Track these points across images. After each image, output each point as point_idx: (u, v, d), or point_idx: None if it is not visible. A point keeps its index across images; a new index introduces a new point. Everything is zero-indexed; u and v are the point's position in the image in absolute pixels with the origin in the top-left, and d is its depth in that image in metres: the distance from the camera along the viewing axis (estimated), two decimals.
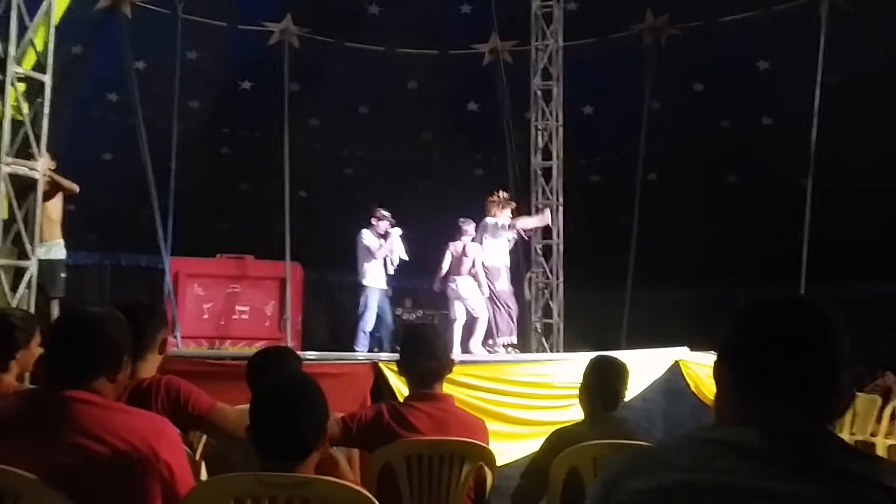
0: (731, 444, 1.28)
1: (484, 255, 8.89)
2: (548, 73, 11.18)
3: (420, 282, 11.15)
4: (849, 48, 10.56)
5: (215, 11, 11.95)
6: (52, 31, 5.88)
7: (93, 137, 12.32)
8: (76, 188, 7.13)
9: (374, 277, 9.41)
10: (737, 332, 1.46)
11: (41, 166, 5.64)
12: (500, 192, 9.25)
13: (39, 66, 5.80)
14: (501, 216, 9.02)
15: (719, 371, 1.46)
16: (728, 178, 13.39)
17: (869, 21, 10.66)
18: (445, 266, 8.95)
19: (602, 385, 3.66)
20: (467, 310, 8.85)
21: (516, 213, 9.34)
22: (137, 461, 2.22)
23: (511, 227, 9.13)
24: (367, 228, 9.50)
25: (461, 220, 9.08)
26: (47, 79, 5.75)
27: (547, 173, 11.06)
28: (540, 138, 11.17)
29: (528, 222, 9.87)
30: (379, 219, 9.50)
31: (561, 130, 11.07)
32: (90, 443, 2.20)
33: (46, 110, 5.74)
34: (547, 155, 11.10)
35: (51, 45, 5.83)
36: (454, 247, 8.97)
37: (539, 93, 11.21)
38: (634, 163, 12.56)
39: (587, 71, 11.98)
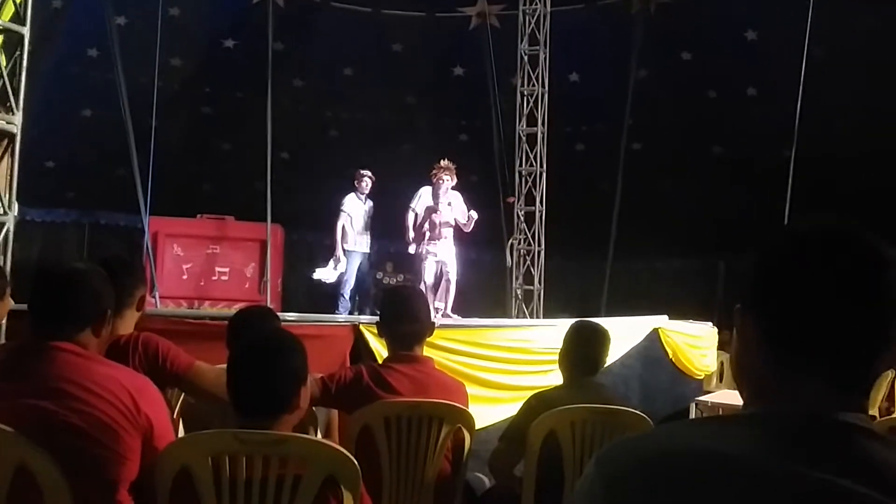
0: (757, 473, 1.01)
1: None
2: (535, 38, 11.10)
3: (401, 246, 11.12)
4: (838, 20, 10.53)
5: None
6: None
7: (72, 93, 12.18)
8: None
9: (353, 241, 9.40)
10: (776, 269, 1.14)
11: (17, 120, 5.54)
12: (443, 160, 9.05)
13: (18, 18, 5.67)
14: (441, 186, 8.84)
15: (744, 323, 1.17)
16: (713, 149, 13.39)
17: None
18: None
19: (582, 350, 3.67)
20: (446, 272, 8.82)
21: (459, 180, 9.05)
22: (118, 412, 2.22)
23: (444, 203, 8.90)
24: (353, 192, 9.50)
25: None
26: (26, 31, 5.62)
27: (531, 140, 11.02)
28: (525, 104, 11.12)
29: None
30: (359, 179, 9.47)
31: (546, 97, 11.01)
32: (72, 389, 2.20)
33: (24, 63, 5.62)
34: (532, 121, 11.05)
35: None
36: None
37: (525, 58, 11.13)
38: (619, 131, 12.55)
39: (574, 37, 11.91)
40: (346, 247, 9.38)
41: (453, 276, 8.79)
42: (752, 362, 1.16)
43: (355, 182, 9.50)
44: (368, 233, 9.58)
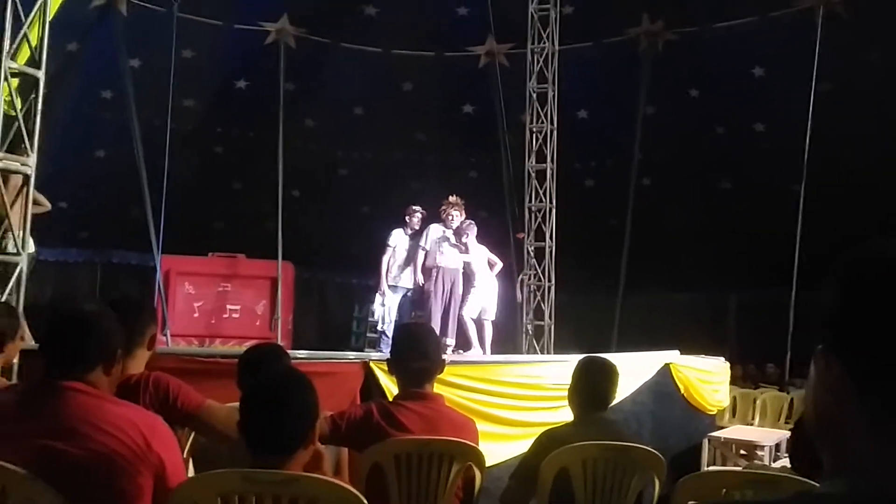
0: None
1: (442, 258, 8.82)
2: (543, 76, 11.17)
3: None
4: (844, 55, 10.59)
5: (211, 10, 11.95)
6: (47, 26, 5.85)
7: (86, 134, 12.32)
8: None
9: (395, 276, 9.17)
10: (874, 302, 0.87)
11: (32, 162, 5.61)
12: (451, 196, 9.08)
13: (33, 62, 5.77)
14: (451, 223, 8.92)
15: (828, 368, 0.91)
16: (722, 184, 13.41)
17: (864, 28, 10.69)
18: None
19: (591, 386, 3.65)
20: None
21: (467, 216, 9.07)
22: (130, 452, 2.22)
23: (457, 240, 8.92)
24: (400, 228, 9.31)
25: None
26: (41, 74, 5.72)
27: (541, 176, 11.05)
28: (534, 141, 11.17)
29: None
30: (410, 215, 9.29)
31: (555, 133, 11.06)
32: (84, 428, 2.21)
33: (39, 106, 5.71)
34: (541, 158, 11.09)
35: (45, 41, 5.80)
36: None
37: (534, 96, 11.20)
38: (628, 167, 12.60)
39: (582, 75, 12.00)
40: (388, 282, 9.16)
41: (489, 314, 8.91)
42: (838, 418, 0.90)
43: (406, 217, 9.30)
44: (412, 269, 9.20)
